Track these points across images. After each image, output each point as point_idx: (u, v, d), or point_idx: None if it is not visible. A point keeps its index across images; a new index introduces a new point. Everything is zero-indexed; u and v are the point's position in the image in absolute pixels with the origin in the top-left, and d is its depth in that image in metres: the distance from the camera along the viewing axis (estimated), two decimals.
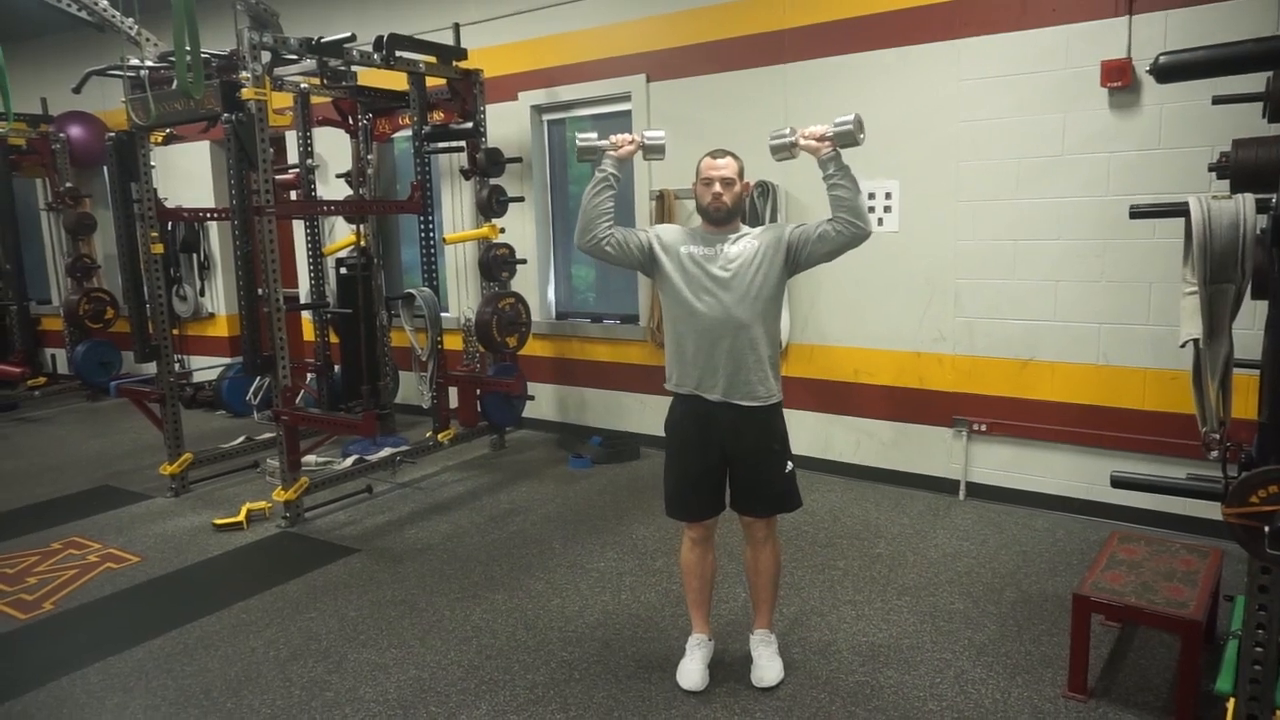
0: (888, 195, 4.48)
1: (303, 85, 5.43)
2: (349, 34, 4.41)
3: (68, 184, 7.39)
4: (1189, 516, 3.79)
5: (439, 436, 5.26)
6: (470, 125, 5.27)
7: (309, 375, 6.27)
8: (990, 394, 4.33)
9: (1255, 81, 2.13)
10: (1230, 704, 2.12)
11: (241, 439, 5.50)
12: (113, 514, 4.64)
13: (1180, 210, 1.99)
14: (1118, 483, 2.26)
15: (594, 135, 2.72)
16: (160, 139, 6.19)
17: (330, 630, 3.24)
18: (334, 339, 6.12)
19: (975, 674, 2.80)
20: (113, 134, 4.82)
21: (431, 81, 5.23)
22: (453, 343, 5.72)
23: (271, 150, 4.23)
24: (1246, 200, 1.92)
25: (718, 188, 2.62)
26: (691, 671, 2.76)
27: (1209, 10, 3.58)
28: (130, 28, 5.62)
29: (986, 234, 4.23)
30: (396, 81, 5.32)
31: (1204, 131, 3.60)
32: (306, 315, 6.46)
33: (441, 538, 4.15)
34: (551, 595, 3.48)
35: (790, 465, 2.73)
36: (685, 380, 2.68)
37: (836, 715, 2.60)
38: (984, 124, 4.17)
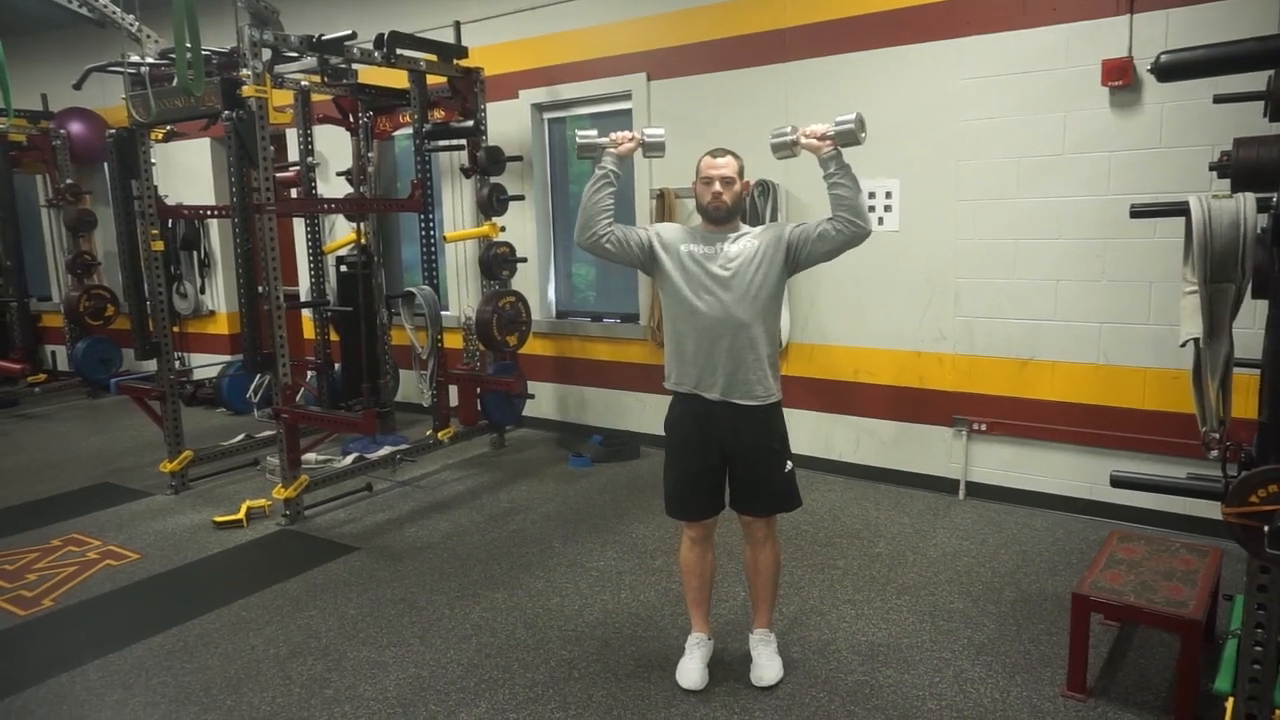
0: (888, 194, 4.48)
1: (303, 83, 5.44)
2: (350, 32, 4.40)
3: (68, 181, 7.38)
4: (1189, 516, 3.79)
5: (439, 435, 5.26)
6: (471, 123, 5.28)
7: (309, 373, 6.27)
8: (990, 393, 4.33)
9: (1256, 80, 2.13)
10: (1229, 703, 2.12)
11: (241, 437, 5.50)
12: (113, 511, 4.64)
13: (1180, 209, 1.99)
14: (1117, 482, 2.25)
15: (594, 133, 2.72)
16: (161, 136, 6.19)
17: (330, 628, 3.24)
18: (334, 337, 6.13)
19: (974, 673, 2.80)
20: (113, 131, 4.82)
21: (432, 79, 5.23)
22: (453, 341, 5.72)
23: (272, 148, 4.23)
24: (1247, 199, 1.91)
25: (718, 187, 2.62)
26: (691, 670, 2.76)
27: (1210, 9, 3.58)
28: (131, 24, 5.63)
29: (987, 233, 4.23)
30: (397, 79, 5.32)
31: (1205, 130, 3.60)
32: (307, 313, 6.47)
33: (441, 536, 4.15)
34: (551, 594, 3.48)
35: (790, 465, 2.73)
36: (684, 379, 2.68)
37: (836, 714, 2.60)
38: (985, 123, 4.17)
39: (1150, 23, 3.72)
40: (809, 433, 4.87)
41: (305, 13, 6.11)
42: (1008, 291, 4.21)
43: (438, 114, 5.42)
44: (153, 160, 4.94)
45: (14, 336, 7.70)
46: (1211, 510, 2.08)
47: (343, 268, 5.92)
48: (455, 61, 5.18)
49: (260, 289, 4.36)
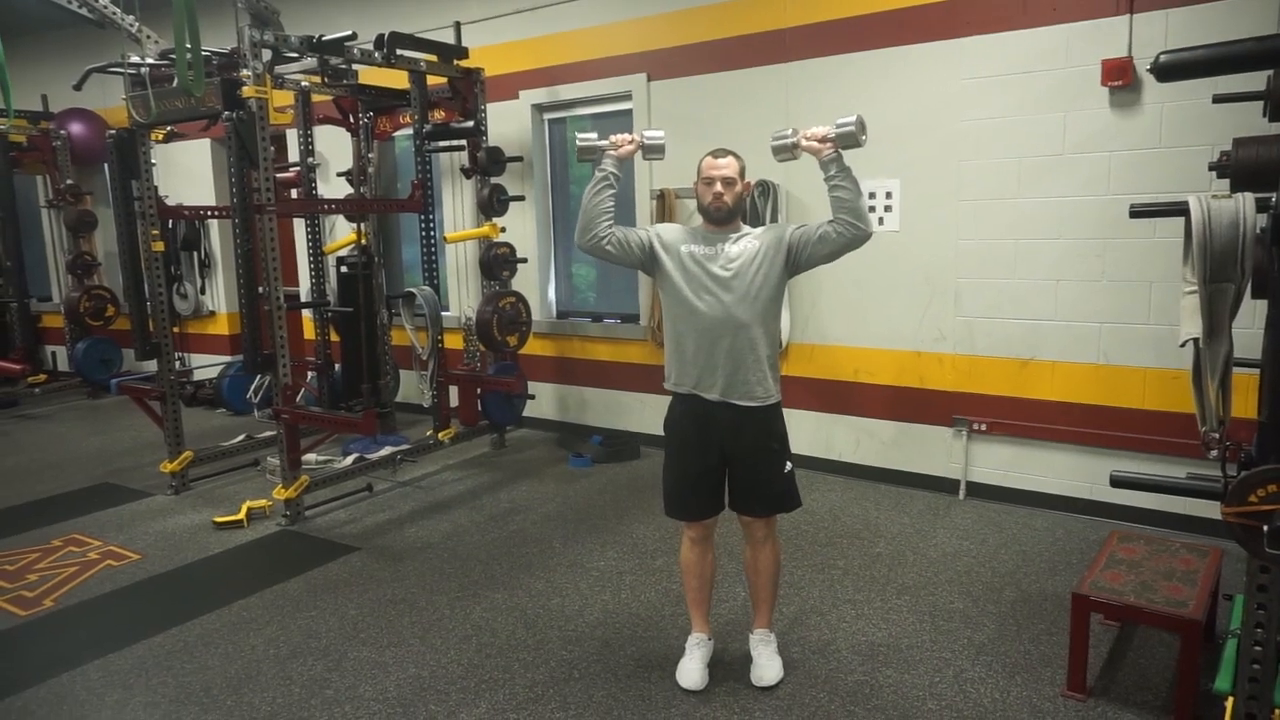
0: (888, 194, 4.48)
1: (304, 83, 5.44)
2: (350, 32, 4.40)
3: (68, 181, 7.39)
4: (1189, 516, 3.79)
5: (439, 435, 5.26)
6: (471, 124, 5.28)
7: (309, 373, 6.27)
8: (990, 393, 4.33)
9: (1256, 80, 2.13)
10: (1229, 703, 2.12)
11: (242, 437, 5.50)
12: (113, 511, 4.64)
13: (1180, 209, 1.99)
14: (1117, 482, 2.26)
15: (594, 135, 2.72)
16: (161, 136, 6.19)
17: (330, 628, 3.24)
18: (334, 337, 6.13)
19: (974, 673, 2.80)
20: (113, 131, 4.82)
21: (432, 80, 5.23)
22: (453, 341, 5.73)
23: (272, 148, 4.23)
24: (1246, 199, 1.92)
25: (719, 187, 2.62)
26: (691, 671, 2.76)
27: (1209, 9, 3.58)
28: (131, 25, 5.63)
29: (987, 233, 4.23)
30: (397, 80, 5.32)
31: (1204, 130, 3.60)
32: (307, 313, 6.47)
33: (441, 536, 4.15)
34: (551, 594, 3.48)
35: (789, 465, 2.73)
36: (684, 380, 2.68)
37: (836, 714, 2.60)
38: (985, 123, 4.17)
39: (1150, 23, 3.72)
40: (809, 433, 4.87)
41: (305, 13, 6.12)
42: (1008, 291, 4.21)
43: (438, 114, 5.42)
44: (153, 161, 4.95)
45: (14, 337, 7.70)
46: (1211, 510, 2.08)
47: (343, 268, 5.91)
48: (455, 62, 5.18)
49: (260, 289, 4.37)
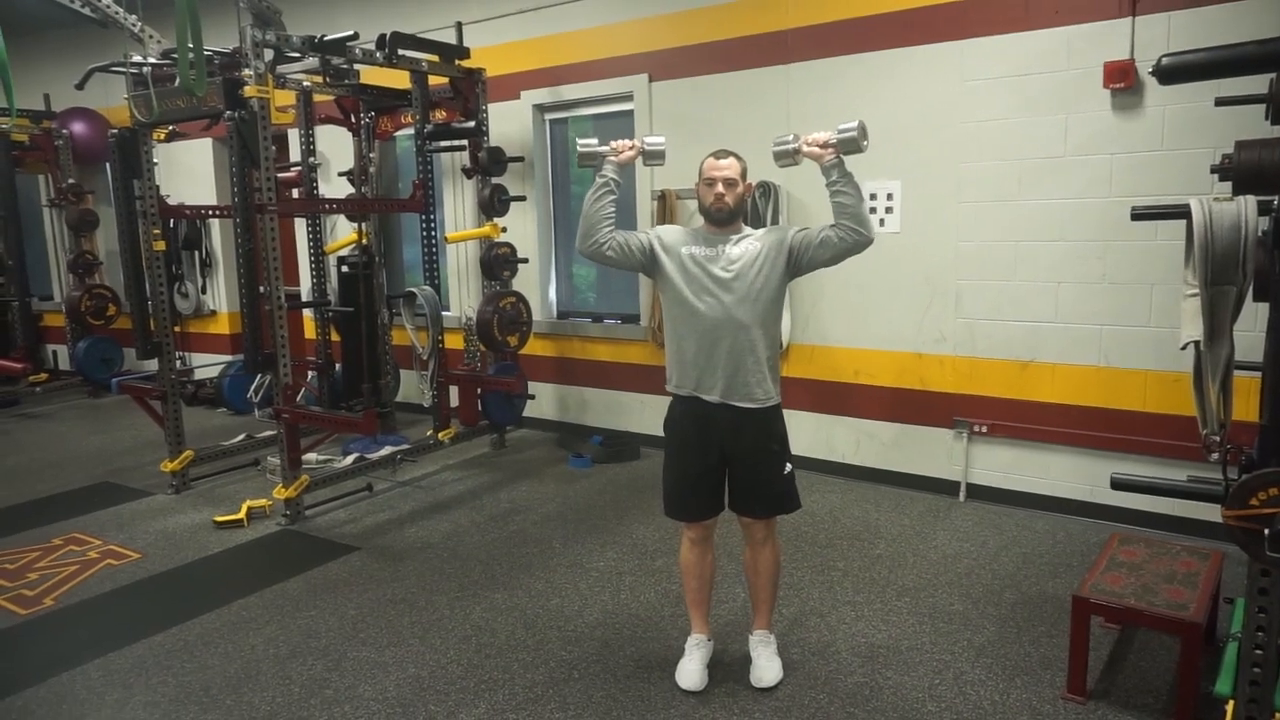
0: (889, 196, 4.48)
1: (305, 83, 5.44)
2: (351, 32, 4.41)
3: (70, 180, 7.39)
4: (1190, 519, 3.78)
5: (439, 435, 5.26)
6: (472, 124, 5.28)
7: (310, 373, 6.27)
8: (991, 395, 4.33)
9: (1258, 83, 2.13)
10: (1230, 706, 2.12)
11: (242, 436, 5.50)
12: (113, 510, 4.64)
13: (1182, 212, 1.99)
14: (1118, 484, 2.25)
15: (594, 140, 2.72)
16: (163, 136, 6.19)
17: (330, 628, 3.24)
18: (335, 337, 6.13)
19: (974, 675, 2.80)
20: (115, 130, 4.83)
21: (434, 80, 5.23)
22: (454, 341, 5.73)
23: (274, 148, 4.24)
24: (1248, 202, 1.91)
25: (720, 188, 2.62)
26: (691, 671, 2.76)
27: (1212, 11, 3.58)
28: (133, 24, 5.63)
29: (988, 235, 4.23)
30: (399, 80, 5.32)
31: (1206, 133, 3.60)
32: (308, 313, 6.47)
33: (441, 536, 4.15)
34: (551, 594, 3.48)
35: (789, 466, 2.73)
36: (685, 381, 2.68)
37: (835, 716, 2.60)
38: (986, 125, 4.17)
39: (1152, 25, 3.71)
40: (809, 434, 4.87)
41: (307, 13, 6.12)
42: (1009, 293, 4.21)
43: (439, 114, 5.42)
44: (155, 160, 4.96)
45: (15, 336, 7.71)
46: (1212, 513, 2.08)
47: (344, 268, 5.92)
48: (457, 62, 5.18)
49: (261, 289, 4.37)
